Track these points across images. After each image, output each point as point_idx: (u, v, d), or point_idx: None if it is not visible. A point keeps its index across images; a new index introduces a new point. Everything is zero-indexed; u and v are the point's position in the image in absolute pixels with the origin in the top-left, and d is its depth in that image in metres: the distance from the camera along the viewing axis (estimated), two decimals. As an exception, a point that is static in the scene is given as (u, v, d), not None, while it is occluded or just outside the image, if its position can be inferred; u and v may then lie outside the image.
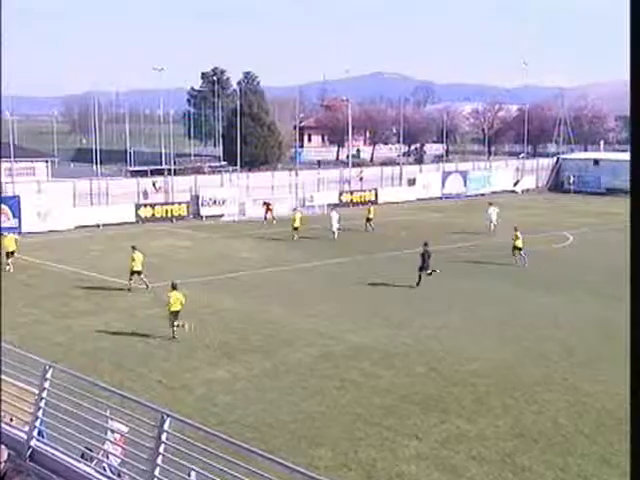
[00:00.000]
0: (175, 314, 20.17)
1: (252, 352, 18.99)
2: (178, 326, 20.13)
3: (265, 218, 45.81)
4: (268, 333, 20.80)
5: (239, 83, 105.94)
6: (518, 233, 31.96)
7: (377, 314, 23.03)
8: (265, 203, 47.20)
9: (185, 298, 20.72)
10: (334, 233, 38.96)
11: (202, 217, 47.19)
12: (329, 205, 45.03)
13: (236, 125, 58.34)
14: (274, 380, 16.87)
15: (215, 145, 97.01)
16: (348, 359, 18.45)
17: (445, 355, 18.77)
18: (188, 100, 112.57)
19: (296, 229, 38.55)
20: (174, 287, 20.67)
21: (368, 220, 43.09)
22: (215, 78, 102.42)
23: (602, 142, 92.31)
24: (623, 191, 64.20)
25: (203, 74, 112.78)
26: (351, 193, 55.85)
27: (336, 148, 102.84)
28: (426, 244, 28.10)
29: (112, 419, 8.34)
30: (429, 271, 27.34)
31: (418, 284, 27.02)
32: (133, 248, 26.82)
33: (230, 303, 24.46)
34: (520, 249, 31.61)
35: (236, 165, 59.07)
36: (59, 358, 16.86)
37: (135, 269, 26.13)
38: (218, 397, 15.78)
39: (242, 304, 24.31)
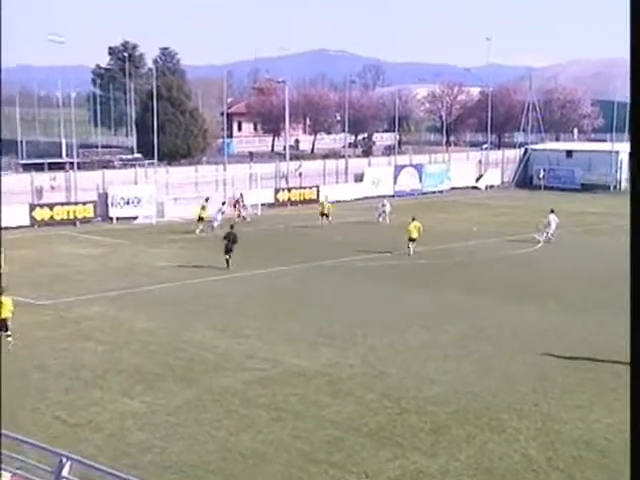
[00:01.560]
0: (3, 323, 20.34)
1: (173, 379, 18.83)
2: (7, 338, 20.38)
3: (240, 216, 46.53)
4: (192, 356, 20.65)
5: (155, 61, 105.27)
6: (417, 223, 36.17)
7: (320, 332, 23.09)
8: (237, 201, 47.72)
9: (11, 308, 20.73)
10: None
11: (112, 220, 46.68)
12: (263, 205, 45.21)
13: (152, 111, 57.75)
14: (199, 412, 16.76)
15: (127, 134, 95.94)
16: (286, 385, 18.45)
17: (399, 379, 18.94)
18: (93, 80, 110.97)
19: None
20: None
21: (323, 215, 45.09)
22: (126, 54, 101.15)
23: (575, 130, 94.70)
24: (600, 187, 66.08)
25: (111, 49, 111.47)
26: (289, 191, 56.03)
27: (271, 138, 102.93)
28: (232, 226, 34.07)
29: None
30: (227, 257, 32.34)
31: (228, 267, 32.10)
32: None
33: (147, 321, 24.26)
34: (414, 240, 35.82)
35: (153, 158, 58.54)
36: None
37: None
38: (132, 434, 15.58)
39: (161, 322, 24.13)
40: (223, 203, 45.46)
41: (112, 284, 29.35)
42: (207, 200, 45.47)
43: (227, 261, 32.64)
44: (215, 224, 42.21)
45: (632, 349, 3.25)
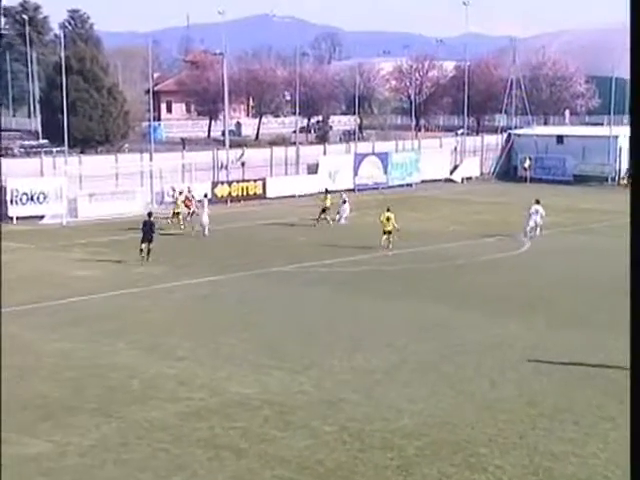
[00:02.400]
0: None
1: (89, 412, 18.68)
2: None
3: (190, 214, 46.61)
4: (112, 384, 20.51)
5: (63, 26, 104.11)
6: (390, 214, 38.42)
7: (268, 353, 23.11)
8: (186, 197, 47.82)
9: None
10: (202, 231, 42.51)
11: (12, 219, 46.21)
12: (198, 201, 45.25)
13: (60, 87, 57.19)
14: (120, 451, 16.63)
15: (30, 115, 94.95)
16: (227, 417, 18.42)
17: (361, 408, 19.00)
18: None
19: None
20: None
21: (324, 210, 45.69)
22: (25, 17, 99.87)
23: (567, 112, 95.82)
24: (596, 179, 66.90)
25: (6, 10, 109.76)
26: (229, 185, 55.94)
27: (207, 122, 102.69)
28: (150, 214, 37.19)
29: None
30: (143, 247, 35.11)
31: (143, 257, 35.03)
32: None
33: (58, 342, 24.08)
34: (390, 233, 38.14)
35: (62, 145, 58.06)
36: None
37: None
38: None
39: (75, 343, 23.97)
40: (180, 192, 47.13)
41: (15, 297, 28.94)
42: (181, 193, 46.95)
43: (141, 251, 35.43)
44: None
45: (632, 349, 3.65)
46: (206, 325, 26.21)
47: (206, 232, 42.41)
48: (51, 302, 28.90)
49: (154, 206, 48.01)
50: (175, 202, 46.50)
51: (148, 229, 35.83)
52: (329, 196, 46.85)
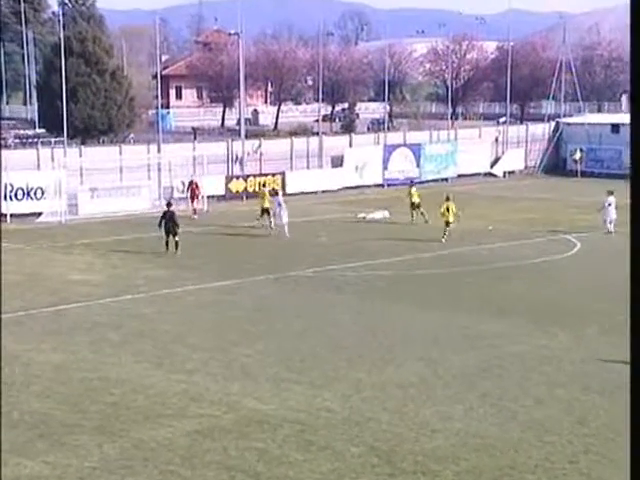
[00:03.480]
0: None
1: (88, 431, 18.71)
2: None
3: (194, 211, 47.36)
4: (115, 400, 20.55)
5: (62, 3, 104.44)
6: (450, 204, 41.09)
7: (287, 365, 23.11)
8: (191, 183, 48.40)
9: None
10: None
11: (6, 217, 46.40)
12: (211, 197, 45.28)
13: (59, 71, 57.43)
14: (123, 474, 16.66)
15: (25, 102, 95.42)
16: (242, 437, 18.42)
17: (391, 427, 18.96)
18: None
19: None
20: None
21: (414, 206, 46.36)
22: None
23: (624, 98, 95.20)
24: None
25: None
26: (244, 179, 55.97)
27: (221, 109, 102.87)
28: (169, 204, 38.98)
29: None
30: (176, 239, 37.26)
31: (167, 251, 37.27)
32: None
33: (54, 353, 24.13)
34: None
35: (61, 135, 58.28)
36: None
37: None
38: (34, 504, 15.50)
39: (73, 354, 24.02)
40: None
41: (7, 304, 29.08)
42: (264, 186, 47.96)
43: (167, 244, 37.54)
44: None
45: (632, 349, 3.84)
46: (219, 334, 26.21)
47: (286, 232, 42.00)
48: (46, 309, 29.00)
49: (162, 202, 48.06)
50: (261, 196, 45.90)
51: (169, 221, 37.57)
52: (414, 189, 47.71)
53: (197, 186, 48.33)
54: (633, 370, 3.73)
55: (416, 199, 46.89)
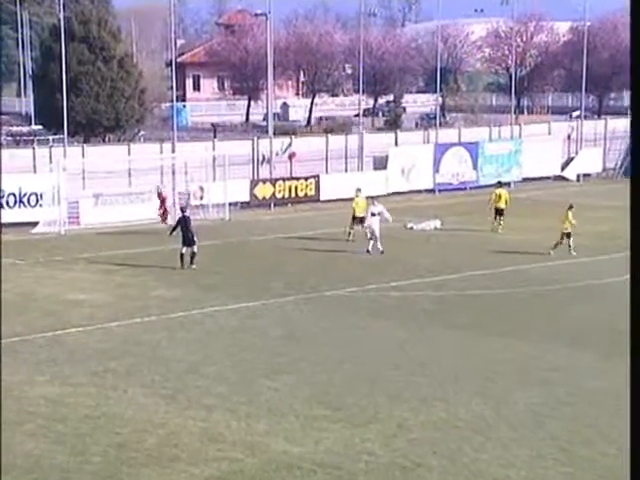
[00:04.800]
0: None
1: (90, 477, 18.69)
2: None
3: (163, 220, 46.94)
4: (121, 441, 20.52)
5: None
6: (569, 214, 41.58)
7: (320, 400, 23.03)
8: (159, 195, 47.61)
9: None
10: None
11: (-3, 227, 46.59)
12: (233, 204, 45.00)
13: (59, 58, 57.68)
14: (130, 527, 16.63)
15: (20, 94, 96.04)
16: (268, 486, 18.38)
17: (443, 474, 18.84)
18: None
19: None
20: None
21: (498, 212, 46.86)
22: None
23: None
24: None
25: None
26: (272, 183, 56.00)
27: (245, 102, 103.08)
28: (184, 208, 39.61)
29: None
30: (194, 249, 37.82)
31: (182, 266, 37.67)
32: None
33: (51, 386, 24.11)
34: (569, 236, 41.42)
35: (61, 132, 58.54)
36: None
37: None
38: None
39: (73, 388, 24.00)
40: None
41: (-3, 327, 29.23)
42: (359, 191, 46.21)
43: (182, 257, 37.96)
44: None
45: (632, 349, 3.92)
46: (241, 365, 26.15)
47: (379, 246, 41.52)
48: (41, 334, 28.95)
49: (177, 210, 48.14)
50: (355, 203, 45.36)
51: (185, 227, 38.07)
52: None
53: (164, 199, 47.55)
54: (633, 370, 3.80)
55: (502, 204, 47.30)
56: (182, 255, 37.87)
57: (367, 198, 45.03)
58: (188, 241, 37.92)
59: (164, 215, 47.20)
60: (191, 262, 37.85)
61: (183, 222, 38.22)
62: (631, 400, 3.57)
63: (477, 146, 64.00)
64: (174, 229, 38.66)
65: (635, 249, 3.27)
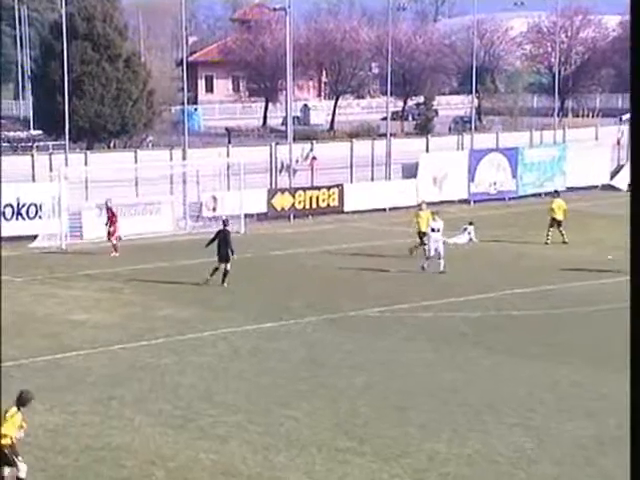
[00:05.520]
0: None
1: (91, 514, 18.61)
2: None
3: (109, 238, 45.64)
4: (126, 475, 20.55)
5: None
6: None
7: (346, 432, 22.97)
8: (108, 209, 46.40)
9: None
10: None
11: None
12: (249, 216, 44.82)
13: (60, 57, 57.87)
14: None
15: (18, 97, 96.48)
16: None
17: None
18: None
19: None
20: None
21: (556, 223, 47.41)
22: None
23: None
24: None
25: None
26: (292, 193, 55.97)
27: (262, 105, 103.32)
28: (225, 222, 39.86)
29: None
30: (227, 267, 38.03)
31: (207, 281, 37.91)
32: None
33: (50, 415, 24.11)
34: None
35: (62, 138, 58.71)
36: None
37: None
38: None
39: (74, 417, 24.06)
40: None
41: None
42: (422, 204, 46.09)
43: (214, 271, 38.26)
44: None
45: (632, 349, 3.94)
46: (258, 391, 26.15)
47: (442, 265, 41.09)
48: (40, 358, 29.08)
49: (188, 222, 48.13)
50: (417, 216, 44.99)
51: (223, 242, 38.49)
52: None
53: (114, 213, 46.22)
54: (633, 370, 3.81)
55: (560, 215, 47.40)
56: (216, 269, 38.26)
57: (431, 212, 44.32)
58: (223, 257, 38.28)
59: (112, 233, 45.49)
60: (222, 280, 38.08)
61: (222, 236, 38.65)
62: (631, 400, 3.55)
63: (516, 152, 63.82)
64: (211, 241, 38.88)
65: (635, 256, 3.29)
